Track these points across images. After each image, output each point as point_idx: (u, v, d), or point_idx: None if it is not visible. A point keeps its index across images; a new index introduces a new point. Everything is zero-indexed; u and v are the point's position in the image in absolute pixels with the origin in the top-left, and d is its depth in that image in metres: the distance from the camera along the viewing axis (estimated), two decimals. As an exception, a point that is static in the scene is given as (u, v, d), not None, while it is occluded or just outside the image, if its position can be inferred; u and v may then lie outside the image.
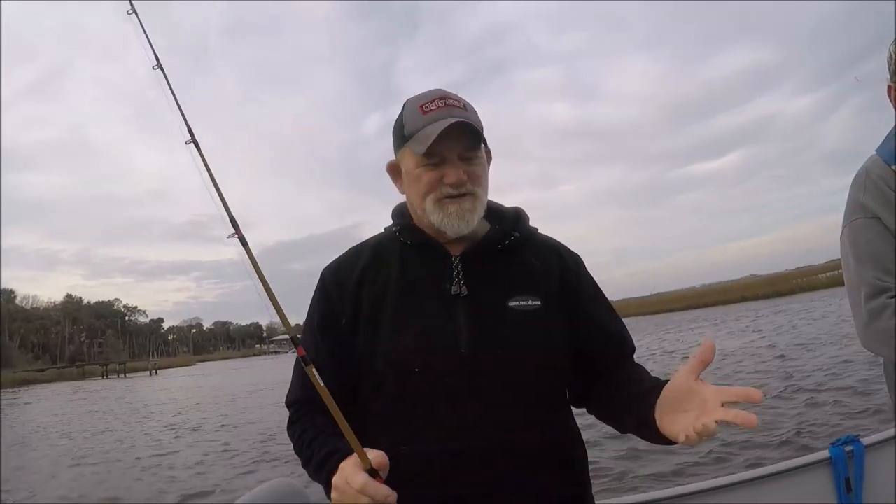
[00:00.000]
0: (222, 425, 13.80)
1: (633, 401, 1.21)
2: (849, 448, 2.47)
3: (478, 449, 1.19)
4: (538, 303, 1.29)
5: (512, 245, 1.35)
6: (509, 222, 1.38)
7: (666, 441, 1.12)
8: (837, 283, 41.02)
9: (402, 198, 1.42)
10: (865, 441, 2.49)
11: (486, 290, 1.29)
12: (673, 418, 1.07)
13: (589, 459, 1.37)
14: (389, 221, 1.44)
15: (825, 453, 2.50)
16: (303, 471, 1.28)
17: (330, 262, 1.43)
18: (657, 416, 1.11)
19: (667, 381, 1.13)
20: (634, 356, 1.42)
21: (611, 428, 1.38)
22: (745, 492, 2.47)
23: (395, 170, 1.38)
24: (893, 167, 1.57)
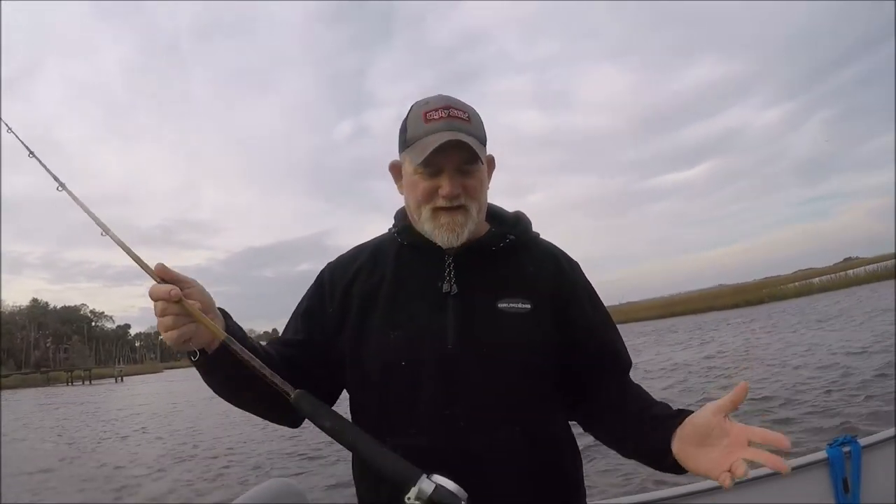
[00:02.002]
0: (174, 432, 13.98)
1: (642, 426, 1.19)
2: (846, 448, 2.48)
3: (459, 444, 1.20)
4: (528, 306, 1.29)
5: (507, 248, 1.35)
6: (507, 226, 1.39)
7: (678, 471, 1.12)
8: (805, 292, 42.00)
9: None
10: (863, 442, 2.51)
11: (477, 290, 1.29)
12: (697, 452, 1.07)
13: (588, 460, 1.34)
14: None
15: (823, 454, 2.52)
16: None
17: (332, 259, 1.45)
18: (675, 446, 1.10)
19: (683, 411, 1.14)
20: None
21: None
22: (744, 492, 2.47)
23: (396, 170, 1.38)
24: None
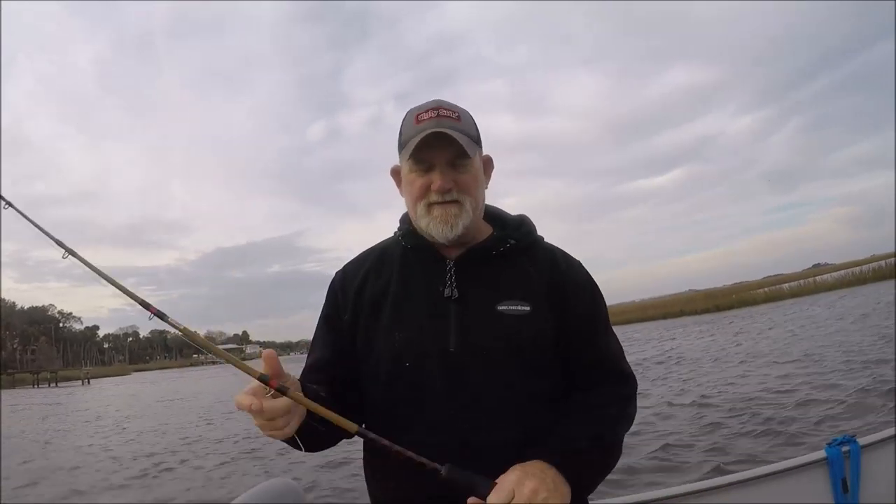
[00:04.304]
0: (136, 437, 13.58)
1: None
2: (845, 448, 2.49)
3: (462, 443, 1.24)
4: (528, 308, 1.33)
5: (508, 251, 1.39)
6: (510, 229, 1.44)
7: None
8: (774, 298, 42.57)
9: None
10: (862, 441, 2.51)
11: (478, 294, 1.35)
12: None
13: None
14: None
15: (822, 453, 2.52)
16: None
17: (342, 265, 1.51)
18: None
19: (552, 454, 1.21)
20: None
21: None
22: (742, 492, 2.47)
23: (397, 174, 1.44)
24: None
